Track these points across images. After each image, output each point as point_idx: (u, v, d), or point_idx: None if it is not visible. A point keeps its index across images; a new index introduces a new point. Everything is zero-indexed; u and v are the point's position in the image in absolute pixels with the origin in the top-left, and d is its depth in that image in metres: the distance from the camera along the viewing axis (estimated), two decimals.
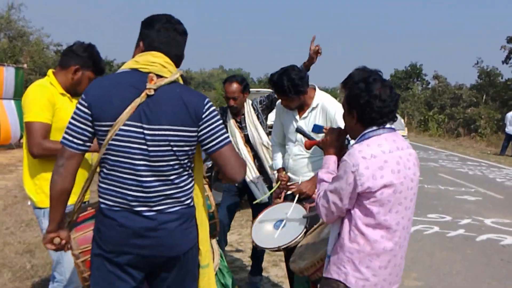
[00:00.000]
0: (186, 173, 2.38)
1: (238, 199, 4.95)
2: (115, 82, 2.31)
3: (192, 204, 2.43)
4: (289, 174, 4.12)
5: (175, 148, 2.27)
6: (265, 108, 4.82)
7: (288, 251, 3.81)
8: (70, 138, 2.29)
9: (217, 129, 2.36)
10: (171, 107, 2.26)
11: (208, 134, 2.33)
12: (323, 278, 2.66)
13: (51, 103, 3.17)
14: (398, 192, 2.44)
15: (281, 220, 3.67)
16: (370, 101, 2.45)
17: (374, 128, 2.50)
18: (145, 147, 2.24)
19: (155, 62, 2.31)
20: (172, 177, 2.32)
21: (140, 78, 2.28)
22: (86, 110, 2.25)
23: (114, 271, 2.34)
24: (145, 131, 2.23)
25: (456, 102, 34.72)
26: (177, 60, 2.44)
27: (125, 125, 2.22)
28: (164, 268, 2.40)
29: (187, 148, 2.31)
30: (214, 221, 2.73)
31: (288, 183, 4.05)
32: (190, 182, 2.42)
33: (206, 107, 2.34)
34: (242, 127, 4.78)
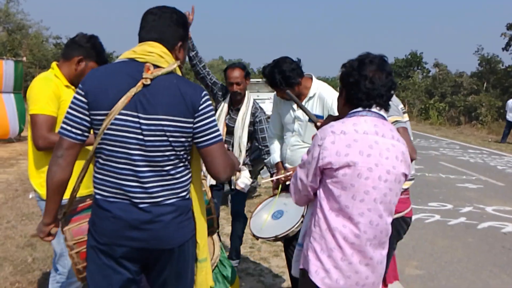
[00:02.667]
0: (182, 164, 2.36)
1: (220, 193, 5.09)
2: (112, 71, 2.29)
3: (188, 196, 2.41)
4: (286, 164, 4.11)
5: (171, 139, 2.25)
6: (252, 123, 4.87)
7: (287, 241, 3.81)
8: (69, 128, 2.27)
9: (211, 124, 2.34)
10: (167, 97, 2.24)
11: (202, 128, 2.31)
12: (300, 272, 2.53)
13: (56, 95, 3.17)
14: (363, 177, 2.27)
15: (279, 210, 3.67)
16: (359, 81, 2.36)
17: (359, 109, 2.38)
18: (141, 136, 2.22)
19: (152, 52, 2.29)
20: (167, 168, 2.29)
21: (137, 67, 2.26)
22: (83, 99, 2.24)
23: (109, 263, 2.33)
24: (141, 121, 2.21)
25: (457, 90, 34.62)
26: (170, 47, 2.39)
27: (120, 114, 2.20)
28: (160, 261, 2.39)
29: (183, 139, 2.29)
30: (212, 216, 2.70)
31: (287, 174, 4.03)
32: (187, 174, 2.40)
33: (204, 99, 2.32)
34: (231, 117, 4.82)
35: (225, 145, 2.50)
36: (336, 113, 2.69)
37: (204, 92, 2.34)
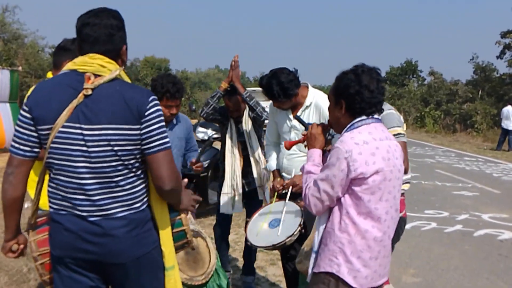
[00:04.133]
0: (133, 174, 2.27)
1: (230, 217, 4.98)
2: (54, 84, 2.26)
3: (143, 207, 2.32)
4: (283, 174, 4.11)
5: (116, 148, 2.18)
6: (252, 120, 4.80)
7: (284, 250, 3.80)
8: (17, 145, 2.25)
9: (159, 131, 2.25)
10: (110, 106, 2.17)
11: (148, 134, 2.22)
12: (313, 275, 2.63)
13: None
14: (388, 180, 2.47)
15: (276, 219, 3.66)
16: (361, 91, 2.50)
17: (363, 117, 2.54)
18: (85, 148, 2.17)
19: (92, 62, 2.23)
20: (116, 179, 2.22)
21: (77, 78, 2.20)
22: (27, 115, 2.21)
23: (68, 274, 2.30)
24: (84, 131, 2.16)
25: (452, 98, 34.73)
26: (115, 55, 2.32)
27: (64, 127, 2.16)
28: (117, 274, 2.33)
29: (130, 148, 2.21)
30: (183, 228, 2.60)
31: (284, 184, 4.02)
32: (139, 184, 2.31)
33: (151, 104, 2.24)
34: (239, 133, 4.76)
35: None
36: None
37: (152, 97, 2.27)
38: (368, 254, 2.49)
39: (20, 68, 16.61)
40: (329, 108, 2.71)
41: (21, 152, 2.25)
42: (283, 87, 3.77)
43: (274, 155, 4.27)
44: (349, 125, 2.55)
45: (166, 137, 2.28)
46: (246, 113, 4.75)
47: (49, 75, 3.35)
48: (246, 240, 3.70)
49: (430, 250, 6.61)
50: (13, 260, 5.18)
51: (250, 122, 4.73)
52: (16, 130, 2.25)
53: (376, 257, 2.52)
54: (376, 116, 2.58)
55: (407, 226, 7.54)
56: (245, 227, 3.85)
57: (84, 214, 2.22)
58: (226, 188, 4.72)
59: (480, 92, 33.79)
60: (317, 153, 2.76)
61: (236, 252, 6.07)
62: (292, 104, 3.95)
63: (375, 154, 2.43)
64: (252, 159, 4.73)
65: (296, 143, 3.25)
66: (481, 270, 5.86)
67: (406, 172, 3.12)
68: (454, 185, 11.74)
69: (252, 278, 5.03)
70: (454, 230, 7.66)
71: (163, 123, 2.30)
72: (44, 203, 3.19)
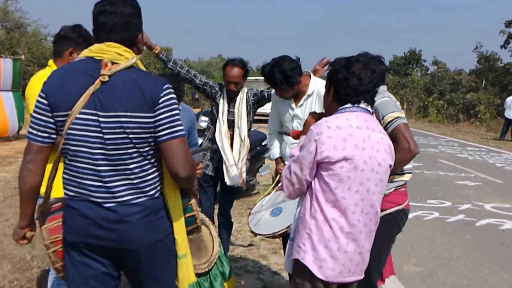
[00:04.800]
0: (147, 162, 2.28)
1: (213, 189, 5.00)
2: (70, 71, 2.26)
3: (157, 195, 2.34)
4: (285, 162, 4.10)
5: (131, 136, 2.19)
6: (255, 102, 4.80)
7: (286, 238, 3.80)
8: (35, 131, 2.25)
9: (173, 118, 2.25)
10: (126, 93, 2.18)
11: (162, 122, 2.23)
12: (292, 267, 2.62)
13: None
14: (359, 169, 2.42)
15: (278, 208, 3.67)
16: (347, 77, 2.48)
17: (348, 105, 2.51)
18: (101, 135, 2.18)
19: (109, 51, 2.24)
20: (131, 166, 2.24)
21: (94, 65, 2.22)
22: (44, 101, 2.22)
23: (80, 259, 2.31)
24: (100, 119, 2.17)
25: (456, 87, 34.66)
26: (132, 43, 2.33)
27: (81, 113, 2.17)
28: (131, 261, 2.35)
29: (145, 135, 2.22)
30: (193, 214, 2.63)
31: None
32: (154, 172, 2.33)
33: (165, 92, 2.25)
34: (229, 111, 4.75)
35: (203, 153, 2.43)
36: None
37: (166, 85, 2.28)
38: (336, 245, 2.44)
39: (22, 56, 16.54)
40: (323, 95, 2.72)
41: (40, 139, 2.25)
42: (286, 75, 3.75)
43: (276, 144, 4.27)
44: (334, 112, 2.54)
45: (180, 124, 2.29)
46: (242, 93, 4.75)
47: (51, 63, 3.34)
48: (248, 227, 3.71)
49: (432, 240, 6.62)
50: (16, 248, 5.22)
51: (244, 104, 4.74)
52: (33, 117, 2.26)
53: (345, 250, 2.46)
54: (363, 105, 2.53)
55: (410, 216, 7.51)
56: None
57: (100, 200, 2.23)
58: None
59: (483, 82, 33.70)
60: None
61: (239, 240, 6.09)
62: (294, 93, 3.94)
63: (347, 141, 2.39)
64: (237, 138, 4.73)
65: (301, 132, 3.23)
66: (483, 260, 5.87)
67: (413, 154, 3.06)
68: (456, 175, 11.73)
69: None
70: (456, 219, 7.66)
71: (177, 111, 2.30)
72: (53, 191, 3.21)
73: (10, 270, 4.73)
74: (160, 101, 2.22)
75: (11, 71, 13.75)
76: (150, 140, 2.25)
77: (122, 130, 2.18)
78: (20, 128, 14.31)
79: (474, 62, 38.40)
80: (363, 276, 2.65)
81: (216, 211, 5.17)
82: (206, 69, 59.14)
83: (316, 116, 2.79)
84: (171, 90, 2.29)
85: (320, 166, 2.41)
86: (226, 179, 4.72)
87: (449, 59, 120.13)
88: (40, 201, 2.45)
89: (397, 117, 3.22)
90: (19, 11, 32.94)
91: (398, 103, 3.41)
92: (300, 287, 2.56)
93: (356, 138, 2.40)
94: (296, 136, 3.23)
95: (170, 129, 2.24)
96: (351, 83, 2.47)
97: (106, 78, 2.18)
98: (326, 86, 2.66)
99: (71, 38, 3.28)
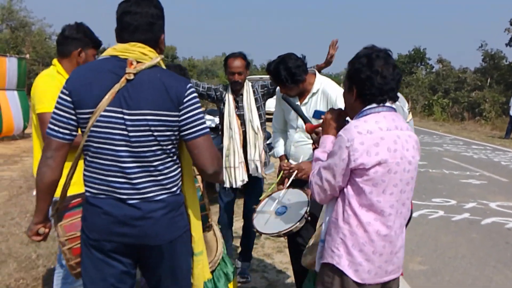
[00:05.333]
0: (170, 159, 2.34)
1: (233, 194, 4.93)
2: (94, 69, 2.29)
3: (178, 192, 2.39)
4: (291, 161, 4.10)
5: (156, 133, 2.23)
6: (265, 93, 4.78)
7: (291, 237, 3.80)
8: (56, 128, 2.27)
9: (198, 116, 2.31)
10: (151, 92, 2.22)
11: (188, 121, 2.28)
12: (321, 265, 2.59)
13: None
14: (393, 172, 2.37)
15: (283, 206, 3.67)
16: (371, 76, 2.39)
17: (374, 105, 2.44)
18: (125, 132, 2.21)
19: (134, 50, 2.27)
20: (155, 164, 2.28)
21: (119, 64, 2.25)
22: (68, 98, 2.24)
23: (102, 257, 2.33)
24: (125, 116, 2.20)
25: (461, 86, 34.58)
26: (155, 43, 2.36)
27: (105, 111, 2.20)
28: (151, 257, 2.38)
29: (169, 133, 2.27)
30: (206, 213, 2.69)
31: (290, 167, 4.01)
32: (176, 169, 2.38)
33: (189, 91, 2.30)
34: (238, 106, 4.74)
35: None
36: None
37: (190, 85, 2.33)
38: (371, 248, 2.41)
39: (27, 55, 16.63)
40: (343, 94, 2.63)
41: (61, 135, 2.27)
42: (291, 72, 3.74)
43: (281, 142, 4.27)
44: (358, 113, 2.46)
45: (204, 122, 2.35)
46: (247, 85, 4.74)
47: (55, 62, 3.34)
48: (252, 226, 3.70)
49: (437, 238, 6.60)
50: (22, 246, 5.24)
51: (252, 96, 4.72)
52: (54, 113, 2.27)
53: (381, 252, 2.43)
54: (388, 104, 2.47)
55: (415, 214, 7.56)
56: (252, 214, 3.86)
57: (124, 197, 2.26)
58: (226, 162, 4.70)
59: (488, 80, 33.60)
60: (329, 139, 2.66)
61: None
62: (299, 91, 3.93)
63: (379, 145, 2.33)
64: (251, 132, 4.70)
65: (317, 127, 3.20)
66: (488, 259, 5.86)
67: None
68: (461, 173, 11.71)
69: (248, 265, 5.03)
70: (461, 218, 7.64)
71: (201, 109, 2.35)
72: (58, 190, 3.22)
73: (16, 269, 4.76)
74: (185, 100, 2.27)
75: (16, 70, 13.80)
76: (173, 138, 2.30)
77: (147, 127, 2.22)
78: (25, 127, 14.36)
79: (479, 60, 38.38)
80: (400, 274, 2.63)
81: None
82: (210, 67, 59.18)
83: (335, 113, 2.72)
84: (194, 89, 2.34)
85: (354, 172, 2.37)
86: (226, 182, 4.69)
87: (453, 57, 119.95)
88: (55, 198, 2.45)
89: None
90: (24, 10, 33.06)
91: (407, 105, 3.39)
92: (328, 286, 2.52)
93: (387, 141, 2.35)
94: (311, 130, 3.19)
95: (196, 127, 2.30)
96: (376, 82, 2.39)
97: (132, 76, 2.21)
98: (345, 85, 2.57)
99: (78, 38, 3.30)
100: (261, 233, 3.66)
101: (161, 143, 2.26)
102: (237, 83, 4.64)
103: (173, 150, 2.34)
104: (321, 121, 2.85)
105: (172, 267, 2.43)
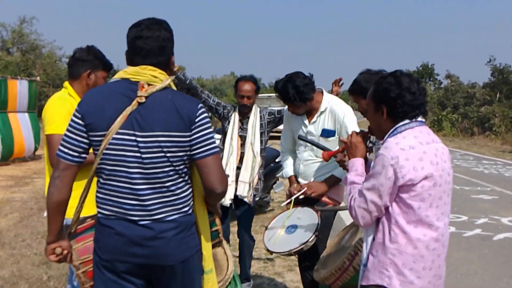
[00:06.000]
0: (182, 179, 2.35)
1: (227, 210, 4.85)
2: (106, 92, 2.32)
3: (190, 212, 2.41)
4: (300, 179, 4.10)
5: (168, 154, 2.26)
6: (271, 121, 4.83)
7: (302, 257, 3.80)
8: (65, 150, 2.30)
9: (208, 136, 2.33)
10: (163, 113, 2.25)
11: (198, 140, 2.30)
12: (361, 287, 2.55)
13: (71, 114, 3.21)
14: (438, 185, 2.37)
15: (293, 225, 3.67)
16: (402, 94, 2.41)
17: (407, 121, 2.44)
18: (138, 154, 2.23)
19: (146, 73, 2.30)
20: (167, 184, 2.30)
21: (130, 86, 2.28)
22: (80, 121, 2.27)
23: (113, 278, 2.34)
24: (138, 139, 2.23)
25: (470, 101, 34.50)
26: (165, 65, 2.40)
27: (118, 133, 2.23)
28: (163, 277, 2.39)
29: (181, 154, 2.29)
30: (217, 228, 2.70)
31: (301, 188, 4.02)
32: (188, 189, 2.40)
33: (200, 111, 2.32)
34: (242, 127, 4.78)
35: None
36: (351, 127, 2.75)
37: (200, 105, 2.35)
38: (422, 264, 2.40)
39: (38, 78, 16.78)
40: (368, 114, 2.62)
41: (70, 158, 2.30)
42: (299, 91, 3.76)
43: (290, 162, 4.27)
44: (391, 130, 2.46)
45: (214, 142, 2.36)
46: (255, 109, 4.79)
47: (67, 85, 3.39)
48: (264, 245, 3.71)
49: (449, 255, 6.49)
50: (33, 268, 5.26)
51: (258, 121, 4.76)
52: (66, 135, 2.31)
53: (430, 267, 2.42)
54: (420, 118, 2.47)
55: None
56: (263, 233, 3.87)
57: (136, 218, 2.28)
58: None
59: (498, 95, 33.51)
60: (359, 162, 2.68)
61: (254, 257, 6.06)
62: (307, 109, 3.95)
63: (423, 159, 2.34)
64: (249, 154, 4.72)
65: (335, 153, 3.22)
66: (501, 275, 5.80)
67: None
68: (472, 188, 11.64)
69: (248, 284, 5.02)
70: (473, 234, 7.59)
71: (211, 129, 2.37)
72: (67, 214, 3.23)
73: None
74: (197, 120, 2.30)
75: (27, 93, 13.95)
76: (185, 158, 2.32)
77: (160, 149, 2.24)
78: (36, 149, 14.45)
79: (487, 75, 38.18)
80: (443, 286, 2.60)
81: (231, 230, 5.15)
82: (219, 87, 59.42)
83: (360, 135, 2.76)
84: (204, 109, 2.36)
85: (401, 189, 2.36)
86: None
87: (462, 72, 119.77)
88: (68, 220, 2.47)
89: None
90: (34, 33, 33.46)
91: None
92: None
93: (429, 154, 2.37)
94: (328, 157, 3.21)
95: (206, 146, 2.32)
96: (407, 99, 2.41)
97: (143, 99, 2.24)
98: (370, 105, 2.57)
99: (88, 60, 3.35)
100: (271, 252, 3.66)
101: (174, 163, 2.28)
102: (245, 106, 4.71)
103: (185, 170, 2.36)
104: (330, 139, 2.87)
105: (184, 286, 2.43)
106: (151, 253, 2.30)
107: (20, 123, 13.70)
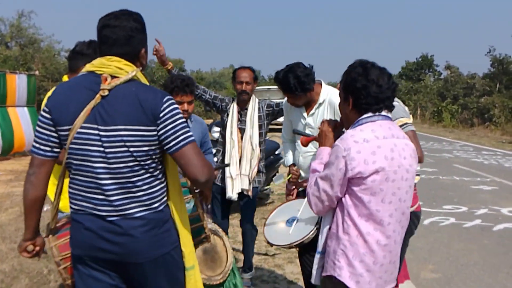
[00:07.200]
0: (149, 175, 2.29)
1: (227, 201, 4.91)
2: (72, 86, 2.30)
3: (161, 208, 2.33)
4: (300, 171, 4.11)
5: (132, 149, 2.21)
6: (270, 113, 4.83)
7: (302, 249, 3.80)
8: (37, 145, 2.29)
9: (178, 127, 2.25)
10: (125, 107, 2.20)
11: (167, 134, 2.23)
12: (323, 278, 2.56)
13: None
14: (390, 180, 2.34)
15: (294, 217, 3.66)
16: (367, 85, 2.39)
17: (370, 114, 2.42)
18: (102, 149, 2.20)
19: (110, 65, 2.26)
20: (133, 180, 2.25)
21: (95, 80, 2.24)
22: (48, 116, 2.26)
23: (89, 273, 2.32)
24: (101, 133, 2.19)
25: (469, 91, 34.49)
26: (133, 57, 2.35)
27: (82, 128, 2.20)
28: (137, 274, 2.34)
29: (146, 148, 2.23)
30: (201, 223, 2.64)
31: (299, 180, 4.03)
32: (157, 185, 2.33)
33: (165, 105, 2.24)
34: (241, 120, 4.78)
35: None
36: None
37: (167, 97, 2.28)
38: (372, 259, 2.38)
39: (37, 72, 16.71)
40: (339, 104, 2.63)
41: (42, 152, 2.29)
42: (300, 81, 3.75)
43: (290, 151, 4.28)
44: (354, 123, 2.45)
45: (188, 131, 2.29)
46: (253, 101, 4.79)
47: (65, 78, 3.38)
48: (263, 238, 3.70)
49: (449, 246, 6.56)
50: (33, 262, 5.25)
51: (257, 113, 4.77)
52: (36, 131, 2.30)
53: (382, 263, 2.41)
54: (384, 113, 2.45)
55: (426, 222, 7.53)
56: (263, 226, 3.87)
57: (103, 214, 2.24)
58: (227, 172, 4.75)
59: (497, 85, 33.47)
60: (326, 151, 2.65)
61: (254, 250, 6.06)
62: (306, 100, 3.94)
63: (376, 153, 2.31)
64: (248, 147, 4.74)
65: (312, 140, 3.24)
66: (501, 265, 5.81)
67: (421, 161, 3.01)
68: (472, 179, 11.65)
69: (252, 273, 5.06)
70: (473, 225, 7.60)
71: (182, 119, 2.30)
72: (64, 205, 3.24)
73: (28, 285, 4.77)
74: (161, 114, 2.23)
75: (26, 87, 13.93)
76: (151, 153, 2.26)
77: (122, 143, 2.20)
78: None
79: (487, 65, 38.21)
80: (396, 283, 2.60)
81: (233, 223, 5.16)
82: (218, 79, 59.37)
83: (331, 124, 2.74)
84: (173, 101, 2.30)
85: (351, 181, 2.35)
86: (229, 193, 4.72)
87: (462, 63, 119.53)
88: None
89: (406, 123, 3.25)
90: (33, 27, 33.27)
91: (407, 108, 3.41)
92: None
93: (384, 149, 2.34)
94: (306, 143, 3.24)
95: (178, 138, 2.25)
96: (371, 91, 2.39)
97: (106, 93, 2.20)
98: (341, 95, 2.57)
99: (87, 54, 3.32)
100: (272, 245, 3.66)
101: (138, 158, 2.23)
102: (244, 92, 4.69)
103: (153, 165, 2.30)
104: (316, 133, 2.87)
105: (160, 285, 2.39)
106: (120, 250, 2.26)
107: (20, 118, 13.69)
